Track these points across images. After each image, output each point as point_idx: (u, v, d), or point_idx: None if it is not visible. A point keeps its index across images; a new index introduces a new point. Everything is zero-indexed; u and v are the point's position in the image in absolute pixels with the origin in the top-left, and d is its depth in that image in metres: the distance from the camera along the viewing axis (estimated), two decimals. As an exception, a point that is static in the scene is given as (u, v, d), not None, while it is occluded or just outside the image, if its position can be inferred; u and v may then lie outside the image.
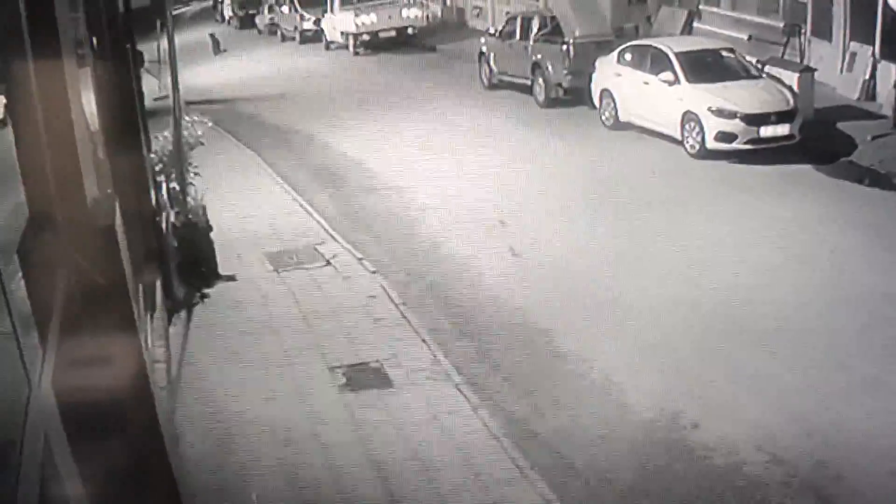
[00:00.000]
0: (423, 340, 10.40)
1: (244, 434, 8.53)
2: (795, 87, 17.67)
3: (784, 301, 10.91)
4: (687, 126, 17.14)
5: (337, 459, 8.10)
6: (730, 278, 11.61)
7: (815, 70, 18.92)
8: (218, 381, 9.60)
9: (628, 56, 19.30)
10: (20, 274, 3.54)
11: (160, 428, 4.63)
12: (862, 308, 10.61)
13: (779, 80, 17.91)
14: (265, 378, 9.65)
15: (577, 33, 21.53)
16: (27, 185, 4.02)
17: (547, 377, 9.69)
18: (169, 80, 13.21)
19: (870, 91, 19.27)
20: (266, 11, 44.31)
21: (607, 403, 9.11)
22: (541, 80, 22.09)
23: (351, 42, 33.76)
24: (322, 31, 36.29)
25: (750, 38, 22.40)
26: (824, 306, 10.74)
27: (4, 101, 4.06)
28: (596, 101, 20.00)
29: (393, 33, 33.41)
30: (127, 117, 9.81)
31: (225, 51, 38.10)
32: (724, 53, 18.74)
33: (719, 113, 16.69)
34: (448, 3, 37.68)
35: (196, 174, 13.19)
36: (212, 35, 39.18)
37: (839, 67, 20.09)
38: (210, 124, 14.62)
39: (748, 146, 16.60)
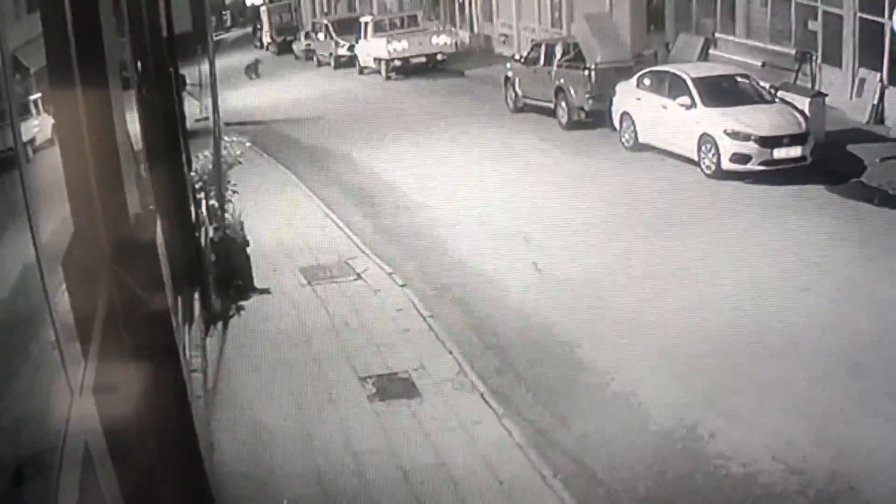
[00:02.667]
0: (450, 352, 10.32)
1: (277, 441, 8.48)
2: (807, 112, 17.54)
3: (800, 314, 10.77)
4: (703, 148, 17.04)
5: (366, 466, 8.03)
6: (747, 293, 11.47)
7: (826, 95, 18.81)
8: (252, 390, 9.57)
9: (647, 81, 19.23)
10: (64, 286, 3.51)
11: (197, 435, 4.58)
12: (875, 319, 10.46)
13: (791, 105, 17.78)
14: (298, 387, 9.60)
15: (598, 59, 21.51)
16: (73, 200, 4.00)
17: (569, 388, 9.59)
18: (209, 102, 13.24)
19: (878, 115, 19.15)
20: (303, 38, 44.64)
21: (628, 414, 9.00)
22: (564, 104, 22.06)
23: (383, 67, 33.89)
24: (356, 56, 36.47)
25: (763, 64, 22.26)
26: (838, 318, 10.60)
27: (53, 121, 4.05)
28: (616, 124, 19.93)
29: (423, 59, 33.54)
30: (169, 137, 9.83)
31: (259, 76, 38.15)
32: (739, 79, 18.62)
33: (734, 135, 16.58)
34: (476, 30, 37.76)
35: (234, 192, 13.20)
36: (253, 63, 39.12)
37: (849, 92, 19.95)
38: (248, 144, 14.65)
39: (762, 167, 16.48)
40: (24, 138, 3.33)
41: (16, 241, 3.07)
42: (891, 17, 17.62)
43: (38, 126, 3.91)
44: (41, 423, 3.05)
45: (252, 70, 38.37)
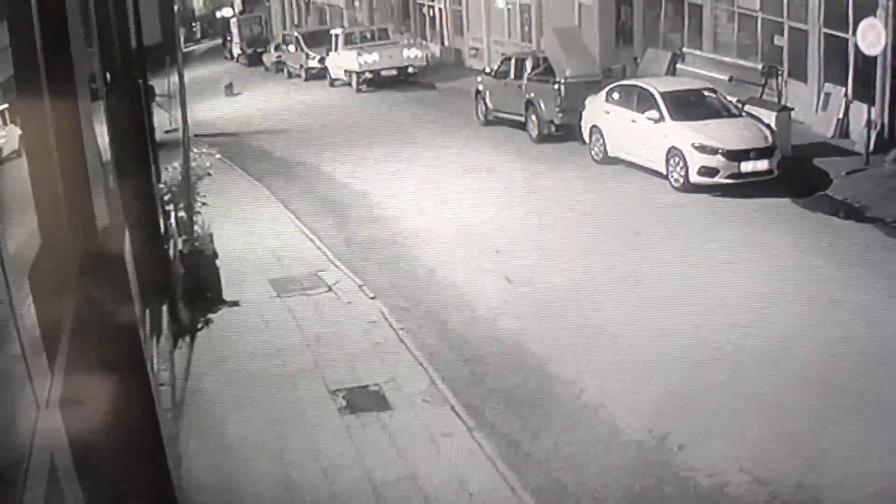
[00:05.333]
0: (421, 364, 10.30)
1: (246, 455, 8.42)
2: (773, 126, 17.73)
3: (768, 326, 10.83)
4: (672, 161, 17.15)
5: (336, 480, 7.98)
6: (715, 304, 11.52)
7: (792, 109, 19.02)
8: (221, 404, 9.49)
9: (616, 95, 19.34)
10: (31, 298, 3.46)
11: (164, 449, 4.54)
12: (841, 330, 10.55)
13: (758, 119, 17.96)
14: (267, 400, 9.53)
15: (567, 73, 21.60)
16: (40, 212, 3.95)
17: (540, 400, 9.59)
18: (179, 113, 13.17)
19: (843, 129, 19.34)
20: (273, 50, 44.42)
21: (598, 425, 9.01)
22: (534, 117, 22.12)
23: (354, 80, 33.81)
24: (327, 69, 36.38)
25: (730, 79, 22.46)
26: (805, 330, 10.67)
27: (20, 132, 4.01)
28: (586, 137, 20.01)
29: (394, 72, 33.46)
30: (138, 149, 9.73)
31: (239, 94, 37.80)
32: (707, 93, 18.78)
33: (702, 149, 16.70)
34: (447, 43, 37.82)
35: (203, 204, 13.12)
36: (228, 84, 38.65)
37: (814, 107, 20.15)
38: (217, 156, 14.58)
39: (729, 180, 16.60)
40: (-9, 149, 3.29)
41: (-19, 252, 3.02)
42: (854, 33, 17.83)
43: (5, 137, 3.87)
44: (6, 437, 3.00)
45: (229, 89, 38.04)
